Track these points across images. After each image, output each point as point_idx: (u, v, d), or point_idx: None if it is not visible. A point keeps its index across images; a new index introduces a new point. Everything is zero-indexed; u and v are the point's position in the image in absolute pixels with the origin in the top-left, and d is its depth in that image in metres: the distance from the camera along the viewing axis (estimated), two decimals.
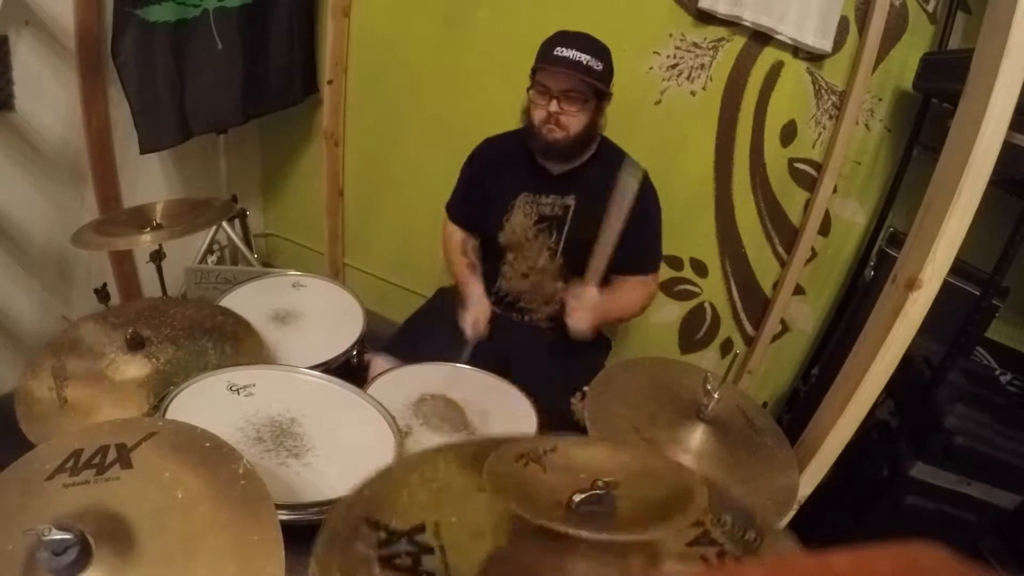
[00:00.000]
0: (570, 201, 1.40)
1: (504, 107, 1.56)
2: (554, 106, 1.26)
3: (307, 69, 2.08)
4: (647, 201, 1.38)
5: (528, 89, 1.32)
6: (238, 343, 1.12)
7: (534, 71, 1.30)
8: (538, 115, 1.29)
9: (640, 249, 1.40)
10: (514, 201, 1.41)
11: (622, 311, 1.46)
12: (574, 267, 1.39)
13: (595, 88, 1.27)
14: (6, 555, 0.57)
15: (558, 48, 1.24)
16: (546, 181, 1.40)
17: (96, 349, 1.02)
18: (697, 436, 0.99)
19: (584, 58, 1.23)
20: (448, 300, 1.60)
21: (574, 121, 1.28)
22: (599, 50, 1.27)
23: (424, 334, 1.46)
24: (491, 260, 1.51)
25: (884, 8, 1.41)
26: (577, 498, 0.53)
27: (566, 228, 1.40)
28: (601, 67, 1.26)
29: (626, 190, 1.20)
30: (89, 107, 1.63)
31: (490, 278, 1.49)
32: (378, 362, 1.31)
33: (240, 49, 1.82)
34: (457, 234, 1.55)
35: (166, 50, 1.64)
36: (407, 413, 1.08)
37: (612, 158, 1.37)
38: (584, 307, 1.28)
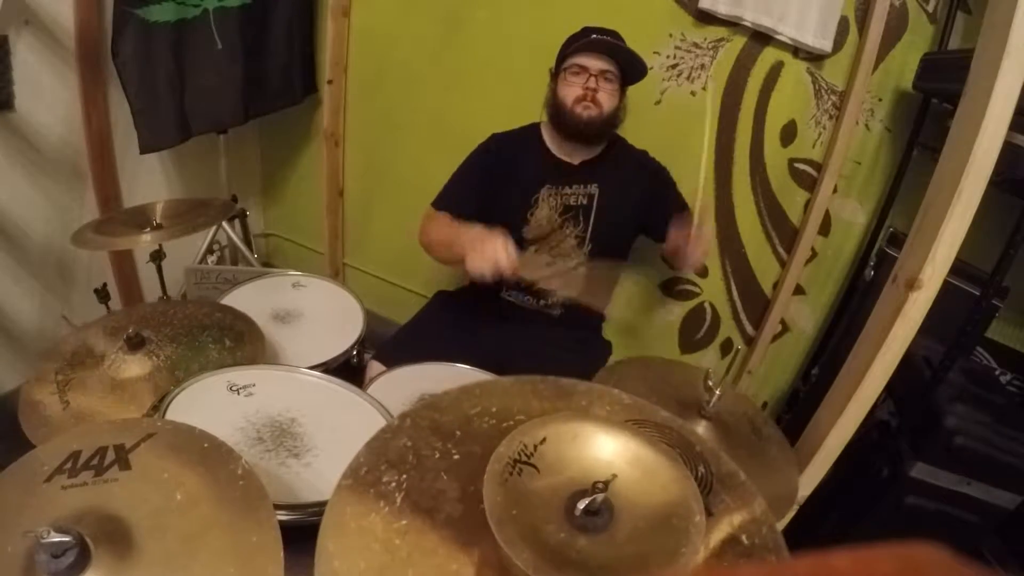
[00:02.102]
0: (594, 190, 1.43)
1: (504, 107, 1.56)
2: (592, 83, 1.32)
3: (307, 69, 2.08)
4: (656, 172, 1.50)
5: (556, 76, 1.38)
6: (237, 337, 1.12)
7: (564, 56, 1.35)
8: (573, 94, 1.33)
9: (671, 206, 1.48)
10: (537, 195, 1.42)
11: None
12: (602, 252, 1.46)
13: (623, 73, 1.35)
14: (5, 557, 0.57)
15: (594, 35, 1.31)
16: (567, 172, 1.42)
17: (97, 351, 1.03)
18: (699, 432, 0.99)
19: (618, 44, 1.32)
20: (447, 304, 1.60)
21: (608, 100, 1.34)
22: (625, 44, 1.35)
23: (422, 341, 1.44)
24: None
25: (884, 8, 1.41)
26: (580, 505, 0.54)
27: (592, 216, 1.43)
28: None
29: None
30: (89, 107, 1.63)
31: None
32: (374, 369, 1.31)
33: (240, 49, 1.82)
34: (441, 215, 1.43)
35: (166, 50, 1.64)
36: None
37: (622, 147, 1.48)
38: (702, 237, 1.32)
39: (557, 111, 1.36)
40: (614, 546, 0.53)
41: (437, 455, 0.60)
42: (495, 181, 1.43)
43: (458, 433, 0.63)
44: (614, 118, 1.37)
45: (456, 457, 0.60)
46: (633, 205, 1.46)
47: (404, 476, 0.58)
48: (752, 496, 0.61)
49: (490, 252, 1.12)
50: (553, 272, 1.46)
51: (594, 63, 1.31)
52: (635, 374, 1.18)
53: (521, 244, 1.46)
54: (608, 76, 1.33)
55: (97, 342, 1.04)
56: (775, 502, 0.97)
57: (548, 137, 1.44)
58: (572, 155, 1.42)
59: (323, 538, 0.53)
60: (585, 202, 1.43)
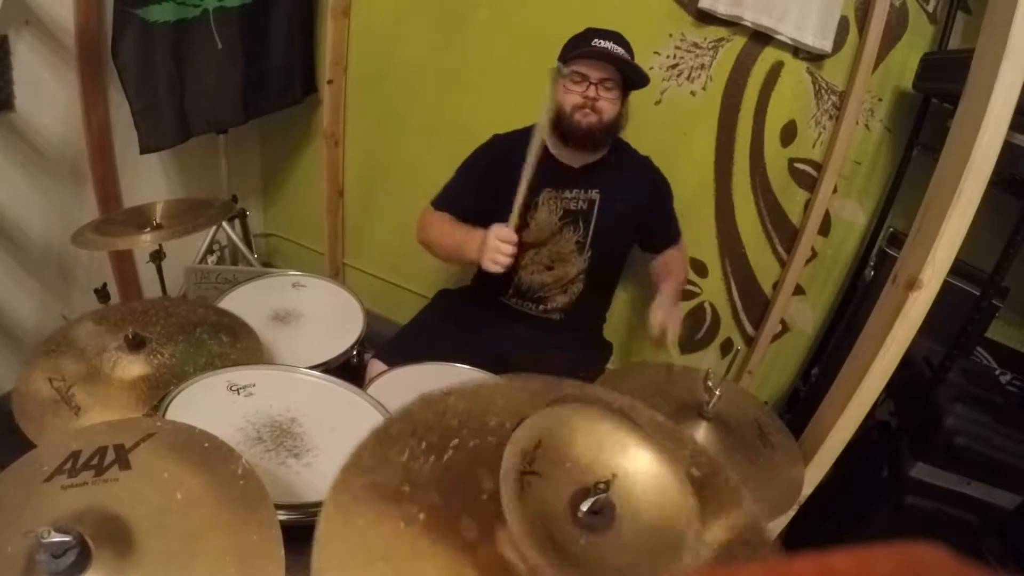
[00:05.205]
0: (595, 195, 1.42)
1: (504, 107, 1.55)
2: (592, 91, 1.30)
3: (307, 69, 2.08)
4: (658, 183, 1.49)
5: (555, 80, 1.34)
6: (231, 331, 1.13)
7: (565, 60, 1.32)
8: (572, 101, 1.32)
9: (667, 223, 1.54)
10: (536, 198, 1.41)
11: (682, 280, 1.55)
12: (602, 258, 1.45)
13: (625, 79, 1.33)
14: (5, 557, 0.57)
15: (596, 40, 1.30)
16: (567, 176, 1.41)
17: (93, 350, 1.02)
18: (699, 434, 0.99)
19: (619, 50, 1.30)
20: (449, 303, 1.60)
21: (609, 107, 1.32)
22: (628, 46, 1.34)
23: (423, 340, 1.44)
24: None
25: (884, 8, 1.41)
26: (584, 507, 0.53)
27: (593, 221, 1.42)
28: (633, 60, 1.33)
29: None
30: (89, 107, 1.63)
31: (507, 273, 1.45)
32: (375, 368, 1.31)
33: (240, 49, 1.82)
34: (441, 215, 1.46)
35: (166, 50, 1.64)
36: None
37: (626, 152, 1.48)
38: (669, 312, 1.31)
39: (557, 116, 1.35)
40: (615, 545, 0.53)
41: (425, 466, 0.59)
42: (495, 182, 1.42)
43: (440, 440, 0.61)
44: (614, 125, 1.36)
45: (445, 466, 0.59)
46: (634, 211, 1.45)
47: (393, 493, 0.57)
48: (742, 496, 0.61)
49: (495, 252, 1.24)
50: (553, 279, 1.45)
51: (594, 71, 1.29)
52: (635, 375, 1.18)
53: (520, 247, 1.45)
54: (608, 84, 1.30)
55: (94, 339, 1.04)
56: (777, 503, 0.97)
57: (549, 139, 1.41)
58: (573, 159, 1.41)
59: (318, 562, 0.52)
60: (585, 207, 1.42)
